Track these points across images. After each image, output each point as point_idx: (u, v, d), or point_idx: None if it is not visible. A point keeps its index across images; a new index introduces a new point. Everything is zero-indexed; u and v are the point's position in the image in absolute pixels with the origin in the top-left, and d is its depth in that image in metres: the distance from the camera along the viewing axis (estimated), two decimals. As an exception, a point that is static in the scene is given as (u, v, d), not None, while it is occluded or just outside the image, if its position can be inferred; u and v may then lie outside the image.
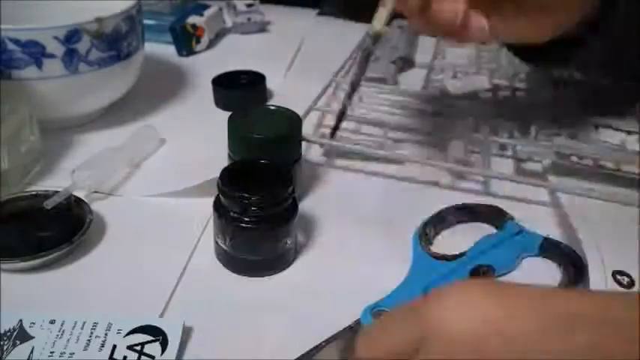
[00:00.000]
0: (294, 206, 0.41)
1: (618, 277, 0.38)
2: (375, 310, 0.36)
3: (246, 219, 0.39)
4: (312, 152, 0.53)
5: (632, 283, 0.38)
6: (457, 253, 0.41)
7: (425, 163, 0.50)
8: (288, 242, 0.41)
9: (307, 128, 0.51)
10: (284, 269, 0.41)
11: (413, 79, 0.67)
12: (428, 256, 0.41)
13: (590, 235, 0.41)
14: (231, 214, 0.39)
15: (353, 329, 0.36)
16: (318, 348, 0.35)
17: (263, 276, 0.41)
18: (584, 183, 0.48)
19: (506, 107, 0.59)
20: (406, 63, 0.71)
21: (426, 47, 0.73)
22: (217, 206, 0.40)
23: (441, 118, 0.57)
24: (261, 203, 0.38)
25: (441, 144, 0.53)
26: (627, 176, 0.48)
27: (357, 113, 0.57)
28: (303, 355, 0.34)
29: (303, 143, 0.49)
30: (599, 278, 0.38)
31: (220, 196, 0.40)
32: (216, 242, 0.41)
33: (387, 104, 0.59)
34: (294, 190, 0.40)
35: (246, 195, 0.38)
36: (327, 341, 0.35)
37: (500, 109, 0.58)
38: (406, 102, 0.60)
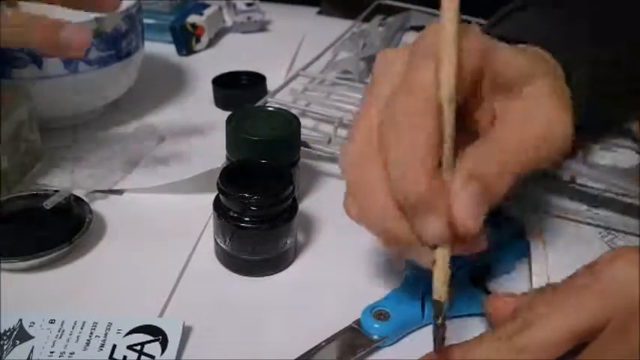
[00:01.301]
0: (294, 206, 0.41)
1: None
2: (375, 310, 0.36)
3: (246, 219, 0.39)
4: (311, 153, 0.53)
5: None
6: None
7: None
8: (288, 242, 0.41)
9: (303, 130, 0.51)
10: (284, 269, 0.41)
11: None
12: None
13: (542, 257, 0.40)
14: (231, 213, 0.39)
15: (353, 329, 0.36)
16: (318, 348, 0.35)
17: (263, 276, 0.41)
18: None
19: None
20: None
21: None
22: (217, 206, 0.40)
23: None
24: (261, 203, 0.38)
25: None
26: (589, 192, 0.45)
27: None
28: (303, 355, 0.34)
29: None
30: None
31: (220, 195, 0.40)
32: (216, 242, 0.41)
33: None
34: (294, 190, 0.40)
35: (246, 195, 0.38)
36: (327, 341, 0.35)
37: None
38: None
